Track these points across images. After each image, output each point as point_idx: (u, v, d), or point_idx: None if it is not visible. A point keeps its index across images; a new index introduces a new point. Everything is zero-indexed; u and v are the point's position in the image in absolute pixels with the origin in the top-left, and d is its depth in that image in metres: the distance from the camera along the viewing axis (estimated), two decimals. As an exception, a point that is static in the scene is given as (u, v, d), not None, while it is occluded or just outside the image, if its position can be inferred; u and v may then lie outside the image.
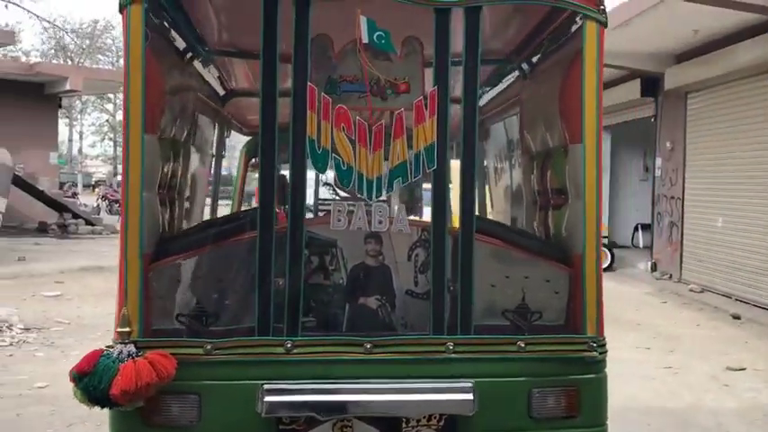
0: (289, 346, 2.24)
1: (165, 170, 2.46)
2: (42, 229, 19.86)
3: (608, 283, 9.98)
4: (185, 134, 2.57)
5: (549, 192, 2.81)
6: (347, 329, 2.36)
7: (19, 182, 18.43)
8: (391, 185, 2.32)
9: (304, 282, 2.31)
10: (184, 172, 2.56)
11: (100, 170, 62.01)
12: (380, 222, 2.31)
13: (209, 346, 2.22)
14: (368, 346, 2.27)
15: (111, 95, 55.50)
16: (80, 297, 9.00)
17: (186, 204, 2.55)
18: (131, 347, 2.15)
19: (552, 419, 2.35)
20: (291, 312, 2.26)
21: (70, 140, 53.94)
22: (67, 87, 20.03)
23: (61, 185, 25.12)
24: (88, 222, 20.49)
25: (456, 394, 2.26)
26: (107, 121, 55.86)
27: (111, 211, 24.82)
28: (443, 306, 2.31)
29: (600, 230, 2.39)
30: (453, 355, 2.30)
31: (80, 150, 55.77)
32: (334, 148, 2.28)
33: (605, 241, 13.52)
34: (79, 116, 53.56)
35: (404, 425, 2.28)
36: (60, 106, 22.55)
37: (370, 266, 2.39)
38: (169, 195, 2.51)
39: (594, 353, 2.35)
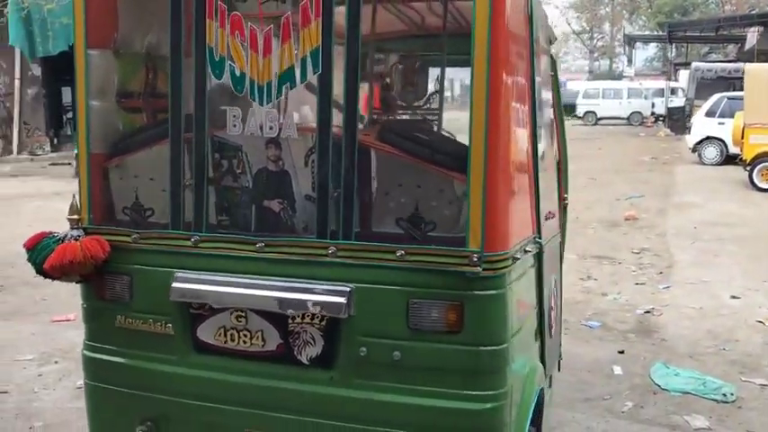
0: (194, 240, 2.47)
1: (133, 80, 2.76)
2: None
3: None
4: (163, 45, 2.79)
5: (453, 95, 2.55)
6: (248, 229, 2.49)
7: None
8: (280, 91, 2.36)
9: (212, 183, 2.50)
10: (159, 82, 2.80)
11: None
12: (271, 128, 2.38)
13: (134, 236, 2.54)
14: (259, 245, 2.40)
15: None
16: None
17: (163, 111, 2.79)
18: (76, 232, 2.56)
19: (432, 332, 2.26)
20: (197, 210, 2.48)
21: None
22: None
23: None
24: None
25: (329, 296, 2.29)
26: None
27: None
28: (327, 211, 2.33)
29: (496, 137, 2.16)
30: (335, 260, 2.32)
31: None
32: (229, 55, 2.39)
33: None
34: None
35: (290, 321, 2.39)
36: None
37: (271, 171, 2.47)
38: (146, 103, 2.81)
39: (478, 268, 2.18)
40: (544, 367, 2.95)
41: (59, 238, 2.55)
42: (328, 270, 2.33)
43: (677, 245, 9.23)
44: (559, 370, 3.85)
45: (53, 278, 2.56)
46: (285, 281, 2.36)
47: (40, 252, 2.51)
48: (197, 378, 2.52)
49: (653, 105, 34.49)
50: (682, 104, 29.80)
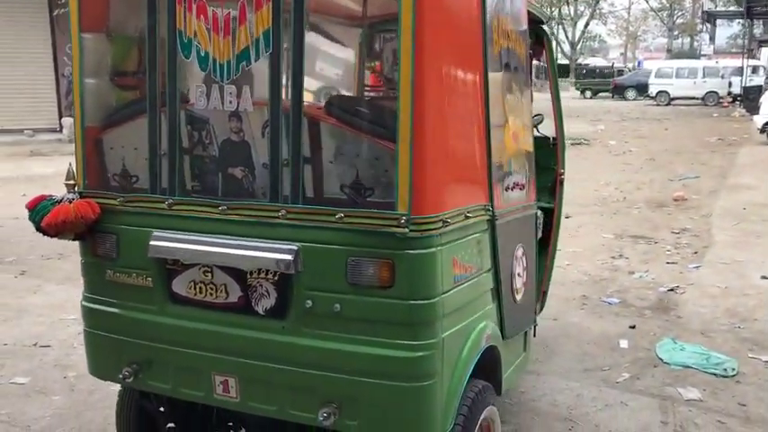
0: (168, 203, 2.77)
1: (121, 60, 3.06)
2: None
3: None
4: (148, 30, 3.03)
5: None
6: (216, 194, 2.76)
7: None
8: (238, 68, 2.62)
9: (184, 152, 2.79)
10: (141, 62, 3.05)
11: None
12: (230, 102, 2.65)
13: (120, 199, 2.86)
14: (222, 208, 2.68)
15: None
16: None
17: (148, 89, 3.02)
18: (71, 195, 2.89)
19: (367, 287, 2.48)
20: (171, 176, 2.77)
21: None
22: None
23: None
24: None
25: (277, 254, 2.55)
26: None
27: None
28: (278, 178, 2.59)
29: (422, 109, 2.36)
30: (285, 221, 2.58)
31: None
32: (195, 37, 2.66)
33: None
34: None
35: (248, 275, 2.66)
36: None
37: (234, 141, 2.73)
38: (132, 80, 3.07)
39: (405, 229, 2.39)
40: (502, 328, 3.14)
41: (56, 201, 2.88)
42: (280, 230, 2.59)
43: (720, 226, 9.10)
44: (534, 335, 4.00)
45: (50, 235, 2.90)
46: (243, 240, 2.63)
47: (39, 212, 2.85)
48: (173, 326, 2.82)
49: (730, 85, 33.27)
50: (761, 83, 28.67)
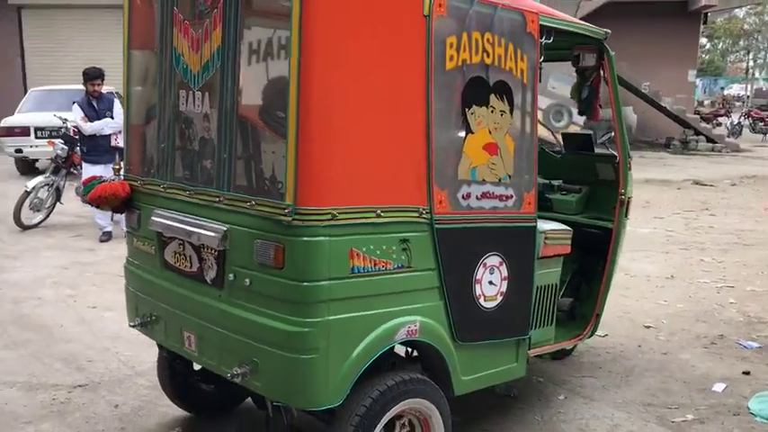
0: (164, 186, 3.42)
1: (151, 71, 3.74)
2: (667, 144, 21.03)
3: None
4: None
5: None
6: (196, 181, 3.29)
7: (646, 99, 20.05)
8: (202, 77, 3.18)
9: (176, 146, 3.41)
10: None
11: None
12: (198, 106, 3.21)
13: (140, 182, 3.59)
14: (188, 193, 3.26)
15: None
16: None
17: None
18: (114, 177, 3.70)
19: (268, 266, 2.86)
20: (166, 165, 3.42)
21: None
22: (703, 3, 20.11)
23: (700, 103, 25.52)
24: (710, 140, 20.59)
25: (209, 232, 3.06)
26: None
27: (754, 129, 23.76)
28: (221, 169, 3.09)
29: (309, 105, 2.68)
30: (221, 206, 3.07)
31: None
32: (181, 52, 3.28)
33: None
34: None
35: (202, 249, 3.19)
36: (705, 23, 22.62)
37: (205, 138, 3.26)
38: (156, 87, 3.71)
39: (289, 218, 2.75)
40: (454, 329, 3.28)
41: (102, 181, 3.71)
42: (220, 214, 3.09)
43: None
44: (530, 348, 3.88)
45: (95, 206, 3.74)
46: (197, 219, 3.18)
47: (87, 189, 3.70)
48: (164, 287, 3.46)
49: None
50: None
